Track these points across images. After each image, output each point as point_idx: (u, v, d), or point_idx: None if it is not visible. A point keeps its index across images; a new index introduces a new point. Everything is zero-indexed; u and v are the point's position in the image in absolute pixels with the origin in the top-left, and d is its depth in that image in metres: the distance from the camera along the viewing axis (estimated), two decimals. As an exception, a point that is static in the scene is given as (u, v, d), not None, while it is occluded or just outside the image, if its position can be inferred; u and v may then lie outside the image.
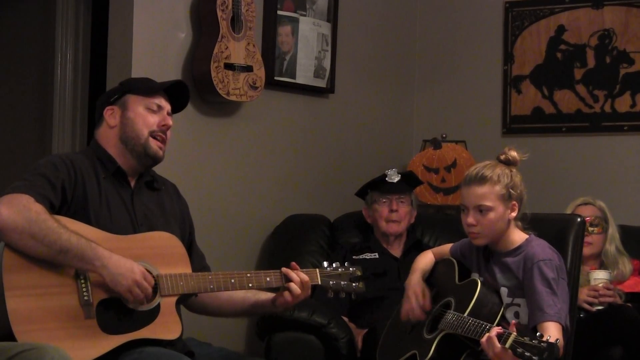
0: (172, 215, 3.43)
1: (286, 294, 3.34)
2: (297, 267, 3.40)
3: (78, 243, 2.97)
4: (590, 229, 4.59)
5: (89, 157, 3.31)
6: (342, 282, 3.47)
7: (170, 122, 3.36)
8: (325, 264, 3.51)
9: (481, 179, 3.43)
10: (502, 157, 3.50)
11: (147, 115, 3.32)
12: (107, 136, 3.35)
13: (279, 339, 4.30)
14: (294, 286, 3.33)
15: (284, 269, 3.36)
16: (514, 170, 3.48)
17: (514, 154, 3.49)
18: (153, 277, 3.12)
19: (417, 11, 6.00)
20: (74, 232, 2.99)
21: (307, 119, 5.27)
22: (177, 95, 3.44)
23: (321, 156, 5.35)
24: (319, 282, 3.44)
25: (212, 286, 3.26)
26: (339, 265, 3.51)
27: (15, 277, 2.94)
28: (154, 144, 3.32)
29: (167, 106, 3.38)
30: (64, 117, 5.66)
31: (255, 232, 4.96)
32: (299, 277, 3.35)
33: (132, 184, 3.35)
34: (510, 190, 3.43)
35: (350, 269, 3.51)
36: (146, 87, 3.38)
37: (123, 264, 3.02)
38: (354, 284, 3.49)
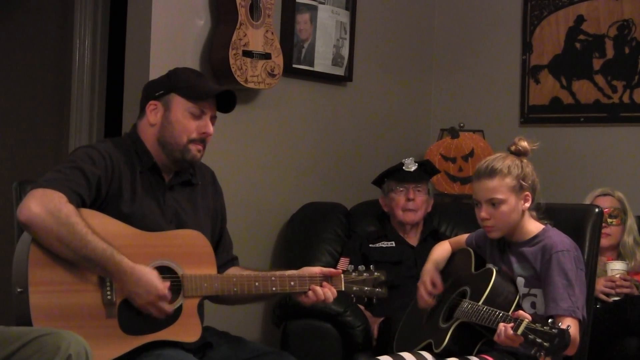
0: (203, 211, 3.40)
1: (310, 295, 3.34)
2: (338, 273, 3.40)
3: (103, 254, 2.95)
4: (609, 220, 4.59)
5: (127, 149, 3.27)
6: (366, 288, 3.46)
7: (211, 129, 3.29)
8: (350, 267, 3.48)
9: (491, 172, 3.42)
10: (513, 147, 3.49)
11: (188, 122, 3.25)
12: (147, 132, 3.29)
13: (294, 327, 4.31)
14: (319, 294, 3.33)
15: (312, 287, 3.34)
16: (525, 160, 3.46)
17: (524, 144, 3.48)
18: (177, 276, 3.12)
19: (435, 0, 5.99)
20: (101, 239, 2.96)
21: (325, 107, 5.27)
22: (223, 97, 3.36)
23: (338, 144, 5.35)
24: (342, 289, 3.41)
25: (235, 289, 3.24)
26: (363, 269, 3.48)
27: (40, 272, 2.94)
28: (193, 149, 3.27)
29: (211, 112, 3.31)
30: (81, 107, 5.66)
31: (271, 219, 4.96)
32: (324, 296, 3.34)
33: (167, 179, 3.32)
34: (522, 181, 3.42)
35: (375, 273, 3.49)
36: (194, 92, 3.27)
37: (143, 283, 3.00)
38: (377, 289, 3.48)
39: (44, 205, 2.92)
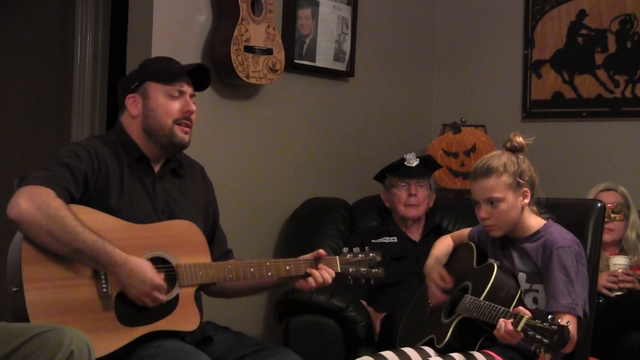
0: (195, 202, 3.41)
1: (310, 280, 3.34)
2: (324, 254, 3.39)
3: (93, 246, 2.95)
4: (613, 215, 4.58)
5: (113, 143, 3.28)
6: (362, 269, 3.46)
7: (193, 106, 3.32)
8: (345, 249, 3.49)
9: (487, 171, 3.41)
10: (508, 144, 3.48)
11: (169, 104, 3.28)
12: (131, 125, 3.31)
13: (297, 323, 4.30)
14: (317, 276, 3.33)
15: (309, 270, 3.35)
16: (521, 156, 3.45)
17: (519, 139, 3.47)
18: (172, 266, 3.12)
19: (437, -5, 5.99)
20: (92, 232, 2.96)
21: (327, 102, 5.26)
22: (198, 75, 3.39)
23: (340, 139, 5.35)
24: (339, 270, 3.42)
25: (231, 275, 3.25)
26: (358, 251, 3.49)
27: (34, 269, 2.94)
28: (179, 132, 3.29)
29: (189, 90, 3.34)
30: (83, 101, 5.66)
31: (273, 215, 4.96)
32: (322, 278, 3.34)
33: (156, 169, 3.33)
34: (519, 178, 3.40)
35: (370, 254, 3.50)
36: (166, 73, 3.32)
37: (135, 274, 3.00)
38: (373, 270, 3.48)
39: (32, 200, 2.93)
